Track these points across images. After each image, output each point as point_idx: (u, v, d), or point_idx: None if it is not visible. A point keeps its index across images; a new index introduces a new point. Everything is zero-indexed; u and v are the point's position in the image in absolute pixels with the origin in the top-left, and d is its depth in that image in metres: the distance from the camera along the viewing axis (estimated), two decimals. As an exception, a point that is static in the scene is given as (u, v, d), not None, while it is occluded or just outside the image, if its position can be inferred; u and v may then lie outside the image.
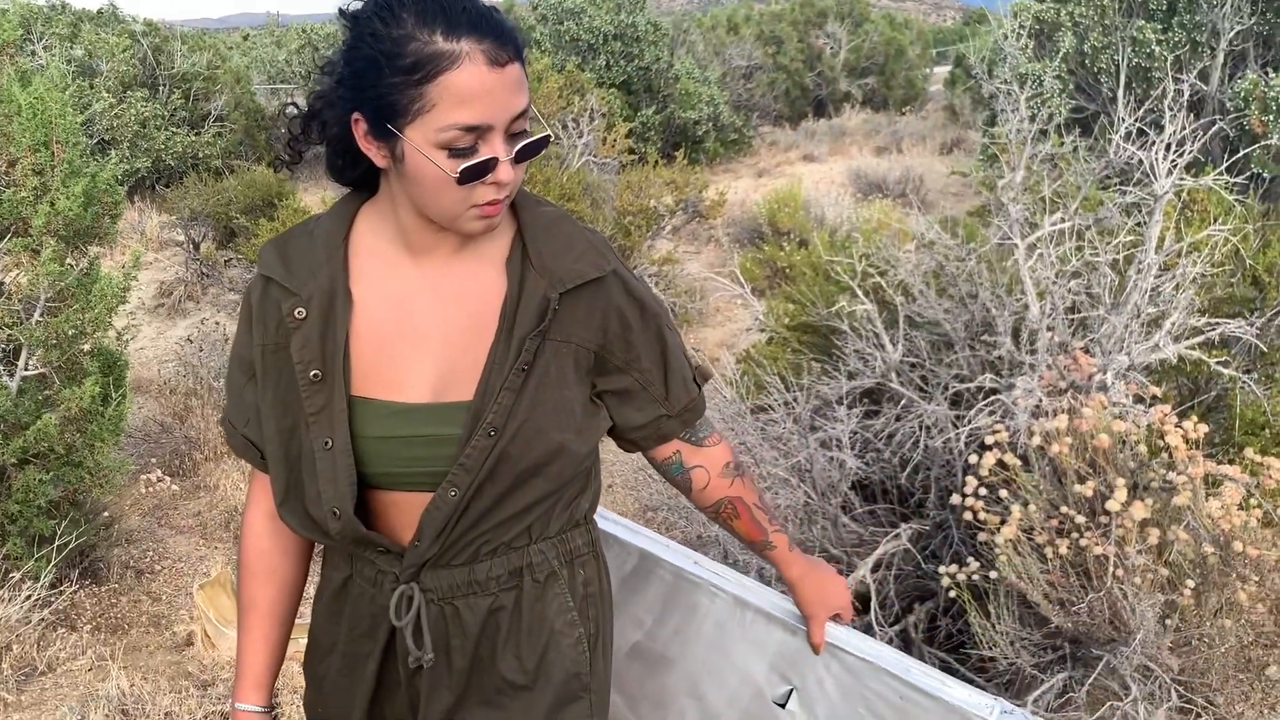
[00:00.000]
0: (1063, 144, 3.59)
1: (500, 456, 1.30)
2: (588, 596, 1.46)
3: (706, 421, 1.56)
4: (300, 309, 1.31)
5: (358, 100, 1.23)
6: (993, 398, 3.02)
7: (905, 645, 3.06)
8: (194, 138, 13.89)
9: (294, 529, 1.39)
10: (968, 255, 3.30)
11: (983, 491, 2.67)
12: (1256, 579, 2.61)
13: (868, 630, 2.90)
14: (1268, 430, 3.24)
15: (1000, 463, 2.66)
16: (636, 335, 1.41)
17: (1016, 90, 3.22)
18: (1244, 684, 2.98)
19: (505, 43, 1.20)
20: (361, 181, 1.38)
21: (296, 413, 1.32)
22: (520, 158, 1.25)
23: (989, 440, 2.69)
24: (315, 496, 1.32)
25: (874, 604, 2.99)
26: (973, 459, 2.70)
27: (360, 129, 1.25)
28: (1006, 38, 3.71)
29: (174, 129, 13.71)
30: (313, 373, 1.30)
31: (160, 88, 14.21)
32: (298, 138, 1.36)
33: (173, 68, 14.44)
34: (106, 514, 4.16)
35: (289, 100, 1.45)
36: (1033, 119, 3.31)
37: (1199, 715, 2.72)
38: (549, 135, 1.30)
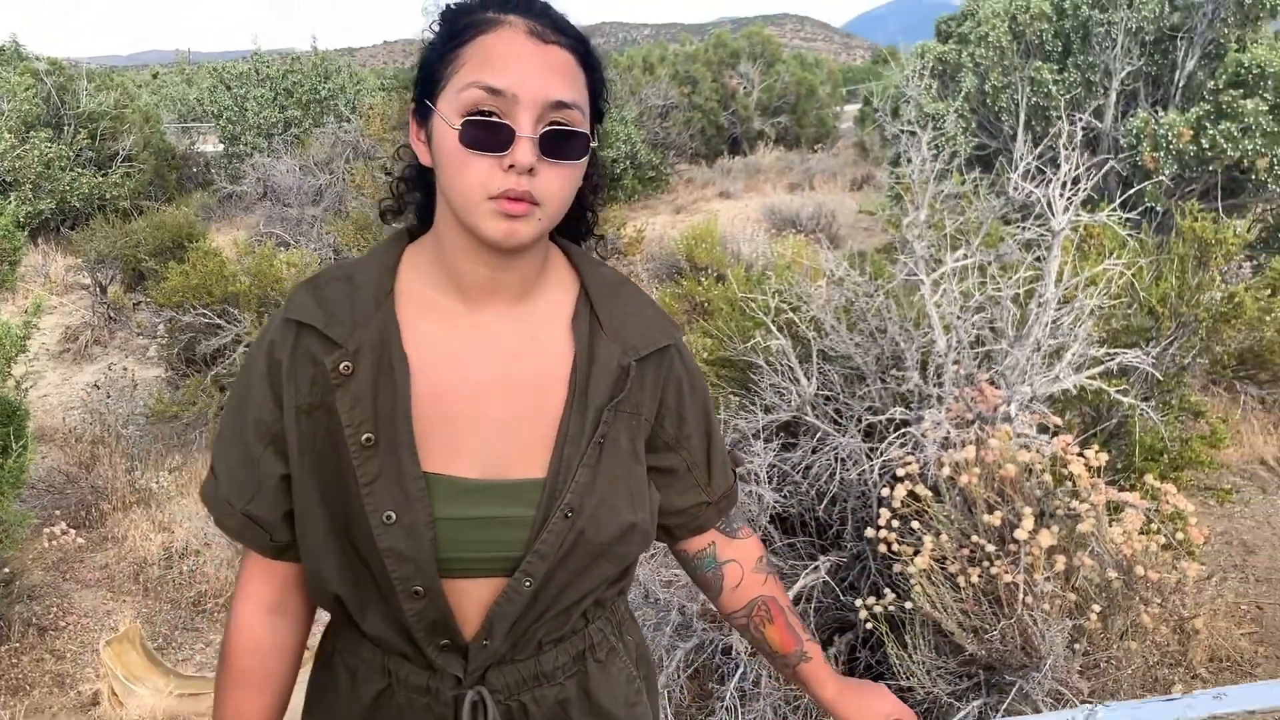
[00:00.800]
0: (964, 183, 3.71)
1: (576, 540, 1.18)
2: (640, 658, 1.38)
3: (739, 511, 1.45)
4: (346, 363, 1.15)
5: (415, 89, 1.18)
6: (904, 429, 3.08)
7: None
8: (101, 178, 13.59)
9: (361, 618, 1.22)
10: (876, 291, 3.38)
11: (896, 523, 2.72)
12: (1159, 601, 2.70)
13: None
14: (1165, 456, 3.37)
15: (912, 494, 2.72)
16: (689, 410, 1.31)
17: (919, 132, 3.32)
18: (1151, 703, 3.07)
19: (556, 28, 1.13)
20: (416, 216, 1.30)
21: (341, 480, 1.17)
22: (548, 148, 1.09)
23: (900, 472, 2.74)
24: (381, 577, 1.17)
25: (794, 637, 3.01)
26: (885, 492, 2.76)
27: (413, 125, 1.19)
28: (909, 80, 3.82)
29: (79, 169, 13.40)
30: (365, 436, 1.14)
31: (65, 127, 13.88)
32: (404, 183, 1.29)
33: (78, 107, 14.13)
34: (7, 570, 4.01)
35: (399, 145, 1.29)
36: (935, 158, 3.41)
37: (1109, 736, 2.78)
38: (587, 135, 1.14)
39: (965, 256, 3.21)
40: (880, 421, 3.22)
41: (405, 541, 1.14)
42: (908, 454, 2.95)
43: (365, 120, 10.79)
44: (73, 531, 4.58)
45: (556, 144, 1.10)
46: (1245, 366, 5.01)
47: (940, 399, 3.10)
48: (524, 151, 1.07)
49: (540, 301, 1.24)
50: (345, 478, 1.16)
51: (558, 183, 1.11)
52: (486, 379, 1.20)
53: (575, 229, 1.32)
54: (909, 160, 3.43)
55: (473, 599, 1.19)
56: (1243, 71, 6.50)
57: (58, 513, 4.92)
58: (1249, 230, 4.97)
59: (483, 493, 1.17)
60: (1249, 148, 6.36)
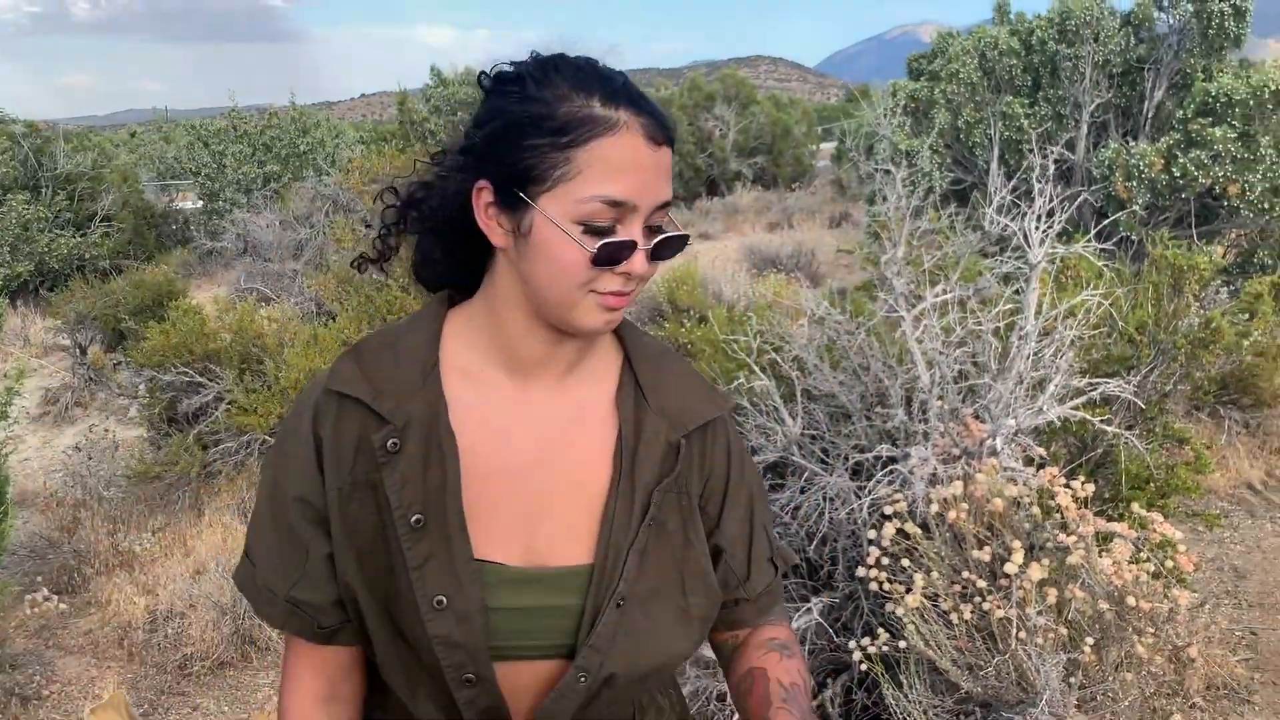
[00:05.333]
0: (940, 218, 3.74)
1: (630, 630, 1.12)
2: (682, 714, 1.33)
3: (781, 607, 1.34)
4: (394, 440, 1.10)
5: (486, 167, 1.09)
6: (891, 467, 3.08)
7: (822, 720, 3.06)
8: (79, 239, 13.57)
9: (412, 702, 1.16)
10: (857, 329, 3.39)
11: (886, 561, 2.70)
12: (1152, 631, 2.69)
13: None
14: (1151, 484, 3.37)
15: (901, 532, 2.71)
16: (731, 491, 1.24)
17: (893, 169, 3.35)
18: (1150, 735, 3.05)
19: (663, 125, 1.08)
20: (450, 282, 1.23)
21: (387, 561, 1.11)
22: (658, 254, 1.09)
23: (888, 510, 2.73)
24: (430, 662, 1.11)
25: (788, 681, 2.98)
26: (872, 533, 2.74)
27: (482, 200, 1.10)
28: (882, 118, 3.86)
29: (58, 231, 13.38)
30: (414, 517, 1.09)
31: (43, 189, 13.88)
32: (391, 228, 1.21)
33: (56, 168, 14.15)
34: (-12, 639, 3.94)
35: (385, 187, 1.23)
36: (911, 194, 3.44)
37: (1109, 770, 2.76)
38: (688, 235, 1.12)
39: (945, 291, 3.22)
40: (867, 459, 3.22)
41: (457, 628, 1.09)
42: (895, 491, 2.94)
43: (344, 174, 10.82)
44: (55, 597, 4.51)
45: (666, 248, 1.09)
46: (1227, 391, 5.03)
47: (926, 435, 3.10)
48: (640, 263, 1.07)
49: (585, 371, 1.20)
50: (392, 559, 1.10)
51: (652, 273, 1.11)
52: (530, 457, 1.15)
53: None
54: (885, 198, 3.45)
55: (525, 680, 1.14)
56: (1210, 100, 6.60)
57: (39, 578, 4.85)
58: (1224, 255, 5.03)
59: (528, 583, 1.12)
60: (1219, 174, 6.44)
